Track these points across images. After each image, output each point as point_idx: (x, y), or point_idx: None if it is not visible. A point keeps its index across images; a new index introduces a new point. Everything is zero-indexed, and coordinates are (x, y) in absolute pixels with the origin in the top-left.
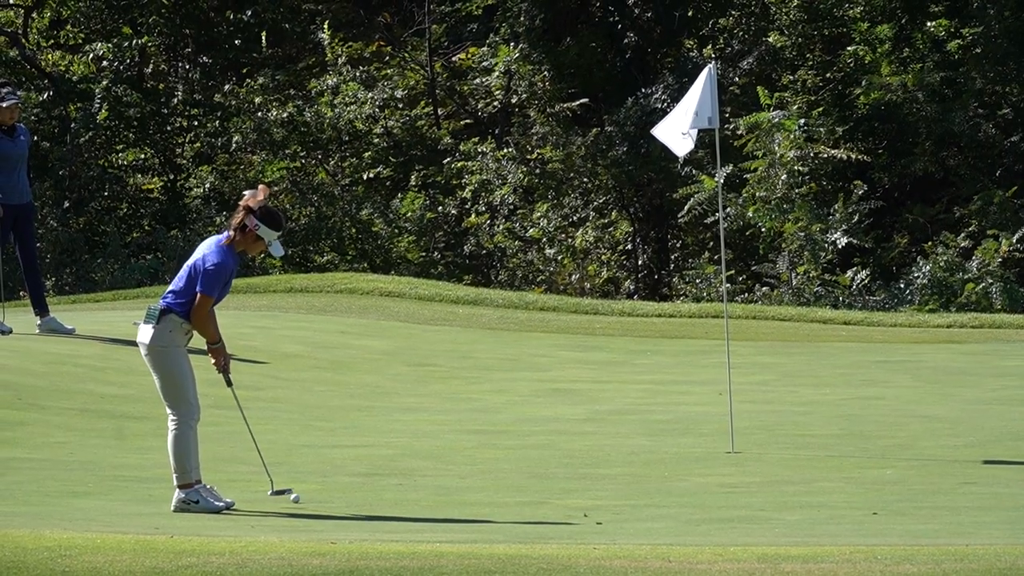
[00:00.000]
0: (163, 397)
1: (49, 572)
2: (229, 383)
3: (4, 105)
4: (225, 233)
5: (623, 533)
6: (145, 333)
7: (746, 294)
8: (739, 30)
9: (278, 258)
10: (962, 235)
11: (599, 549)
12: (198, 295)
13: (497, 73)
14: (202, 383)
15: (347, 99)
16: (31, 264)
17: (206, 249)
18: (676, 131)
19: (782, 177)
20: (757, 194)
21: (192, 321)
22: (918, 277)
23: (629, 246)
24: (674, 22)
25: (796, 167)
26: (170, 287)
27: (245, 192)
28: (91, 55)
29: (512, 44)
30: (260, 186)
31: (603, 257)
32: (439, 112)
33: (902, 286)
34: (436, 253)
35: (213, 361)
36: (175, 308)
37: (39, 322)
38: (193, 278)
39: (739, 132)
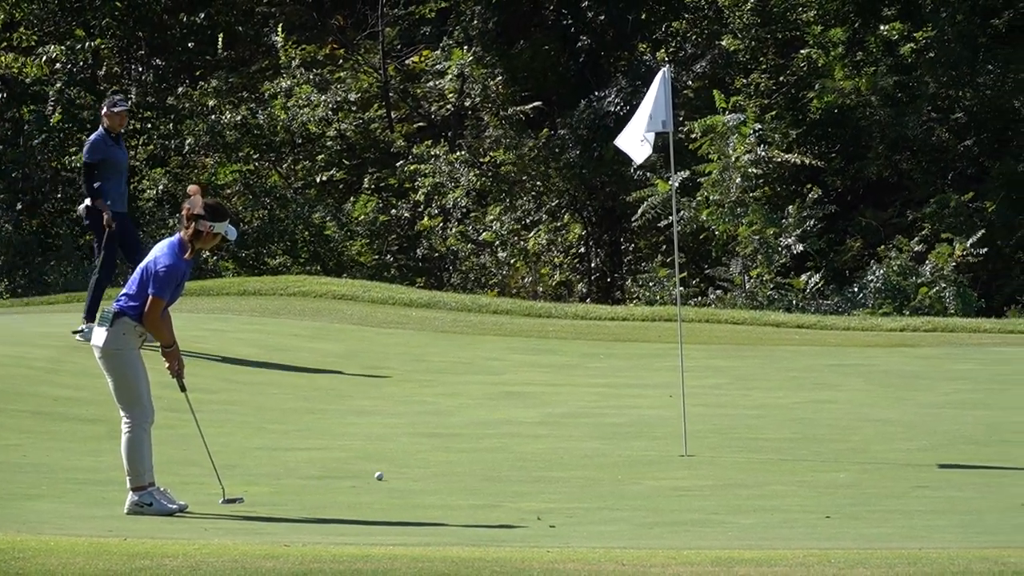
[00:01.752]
0: (117, 400)
1: (2, 574)
2: (183, 387)
3: (116, 111)
4: (177, 236)
5: (576, 536)
6: (99, 336)
7: (699, 297)
8: (692, 33)
9: (234, 239)
10: (915, 239)
11: (552, 552)
12: (150, 297)
13: (450, 76)
14: (156, 385)
15: (300, 102)
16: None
17: (158, 252)
18: (635, 138)
19: (736, 180)
20: (711, 197)
21: (145, 323)
22: (872, 281)
23: (582, 249)
24: (627, 25)
25: (750, 170)
26: (123, 290)
27: (184, 204)
28: (44, 57)
29: (465, 47)
30: (191, 188)
31: (556, 260)
32: (392, 115)
33: (855, 290)
34: (389, 256)
35: (167, 364)
36: (128, 311)
37: (83, 327)
38: (145, 281)
39: (693, 135)
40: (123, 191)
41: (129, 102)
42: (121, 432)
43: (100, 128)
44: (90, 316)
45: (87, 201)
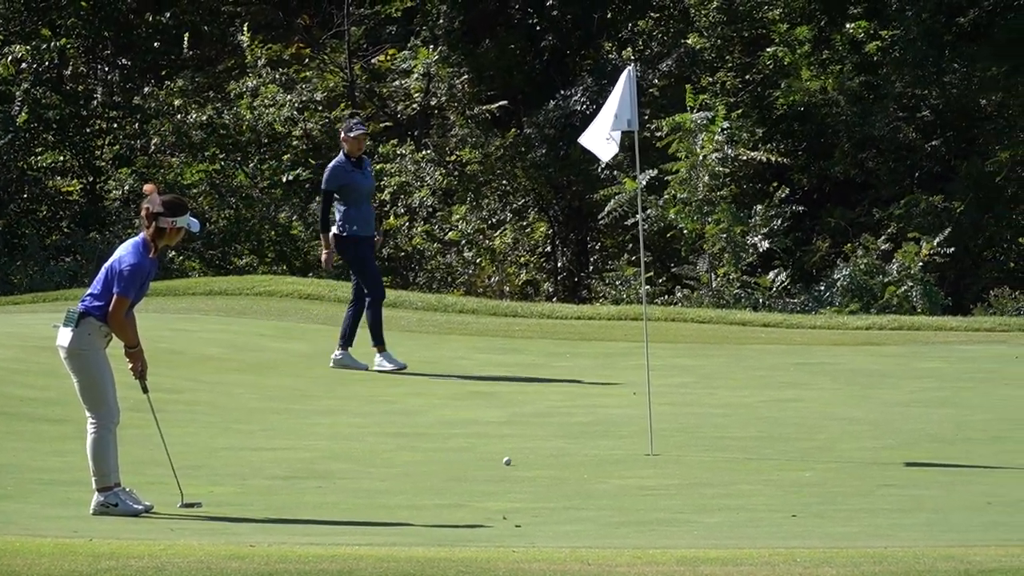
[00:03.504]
0: (82, 400)
1: None
2: (145, 389)
3: (352, 135)
4: (141, 236)
5: (542, 536)
6: (64, 336)
7: (666, 296)
8: (658, 32)
9: (197, 231)
10: (882, 238)
11: (518, 552)
12: (115, 296)
13: (416, 75)
14: (122, 386)
15: (266, 101)
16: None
17: (122, 251)
18: (600, 136)
19: (704, 179)
20: (678, 195)
21: (109, 323)
22: (838, 280)
23: (548, 248)
24: (593, 24)
25: (717, 168)
26: (88, 290)
27: (142, 203)
28: (10, 57)
29: (431, 46)
30: (147, 187)
31: (522, 259)
32: (358, 114)
33: (822, 288)
34: None
35: (130, 365)
36: (93, 311)
37: (338, 354)
38: (110, 280)
39: (659, 134)
40: (368, 215)
41: (368, 125)
42: (87, 432)
43: (340, 153)
44: (346, 343)
45: (335, 228)
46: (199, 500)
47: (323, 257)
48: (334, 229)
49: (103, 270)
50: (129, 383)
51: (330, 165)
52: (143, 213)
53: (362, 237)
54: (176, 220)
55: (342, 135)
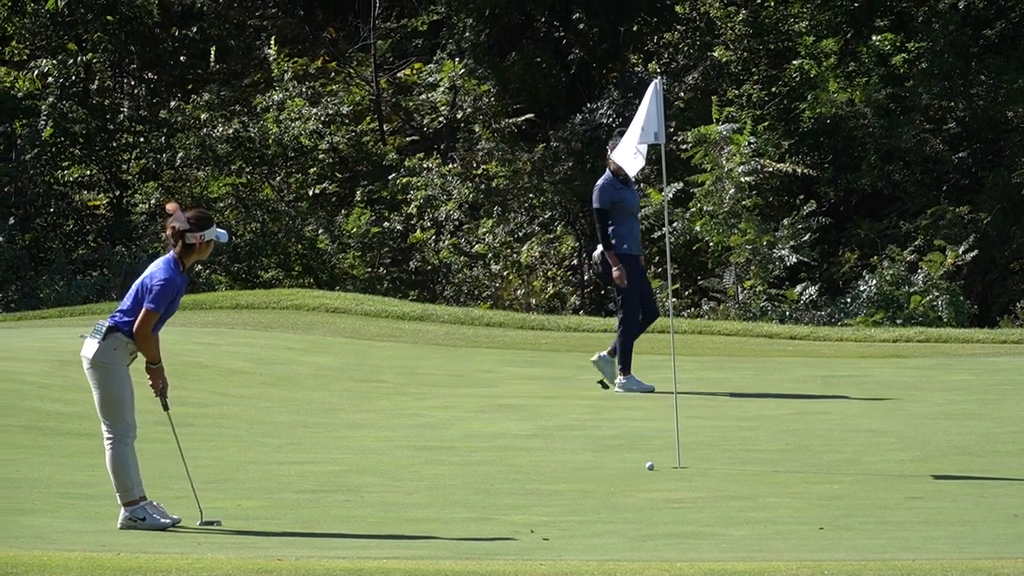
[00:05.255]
0: (100, 413)
1: None
2: (165, 407)
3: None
4: (171, 254)
5: (570, 549)
6: (89, 348)
7: (692, 309)
8: (684, 45)
9: (226, 241)
10: (908, 249)
11: (545, 565)
12: (144, 309)
13: (442, 89)
14: (146, 400)
15: (292, 115)
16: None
17: (154, 267)
18: (628, 151)
19: (730, 191)
20: (704, 208)
21: (136, 336)
22: (864, 290)
23: (575, 261)
24: (619, 37)
25: (743, 179)
26: (119, 306)
27: (166, 223)
28: (36, 72)
29: (457, 59)
30: (169, 206)
31: (549, 273)
32: (384, 128)
33: (848, 300)
34: (382, 269)
35: (150, 382)
36: (122, 327)
37: (621, 379)
38: (140, 296)
39: (684, 145)
40: (636, 233)
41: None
42: (105, 448)
43: (607, 172)
44: (625, 368)
45: (600, 247)
46: (218, 518)
47: (615, 274)
48: (600, 247)
49: (134, 287)
50: (152, 397)
51: (598, 184)
52: (168, 232)
53: (632, 256)
54: (204, 234)
55: (608, 152)
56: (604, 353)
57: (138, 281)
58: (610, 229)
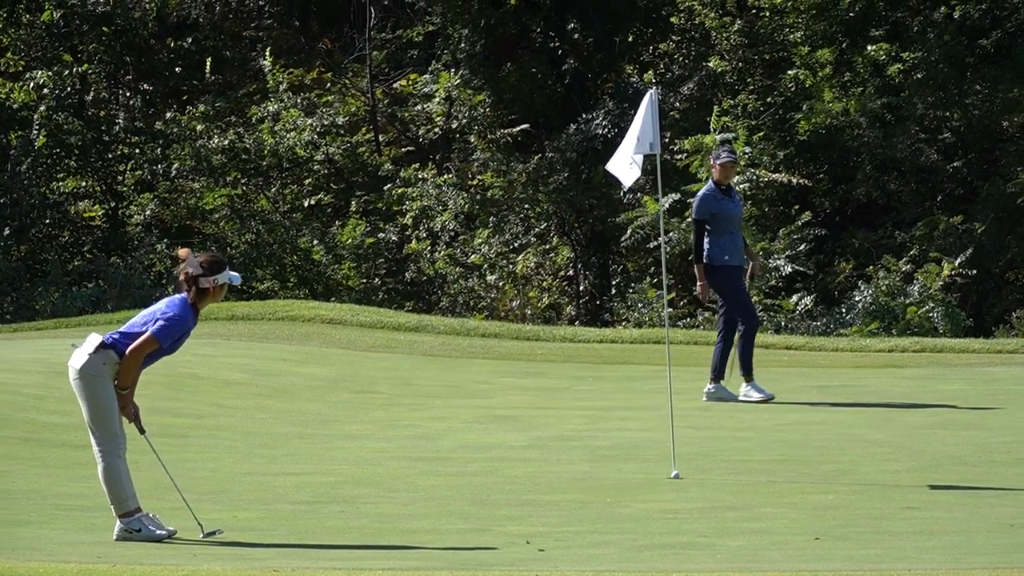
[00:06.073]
0: (90, 426)
1: None
2: (142, 430)
3: (719, 163)
4: (184, 295)
5: (565, 560)
6: (79, 358)
7: (688, 319)
8: (679, 55)
9: (239, 283)
10: (904, 259)
11: None
12: (148, 333)
13: (438, 99)
14: (143, 411)
15: (288, 126)
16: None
17: (168, 302)
18: (623, 162)
19: None
20: None
21: (128, 354)
22: (860, 301)
23: (570, 272)
24: (614, 48)
25: (738, 188)
26: (122, 327)
27: (179, 269)
28: (31, 83)
29: (453, 70)
30: (181, 252)
31: (544, 283)
32: (380, 138)
33: (843, 311)
34: (377, 280)
35: (121, 407)
36: (118, 346)
37: (711, 388)
38: (147, 324)
39: (679, 154)
40: (739, 244)
41: (736, 155)
42: (96, 462)
43: (709, 182)
44: (717, 376)
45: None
46: (218, 528)
47: (699, 289)
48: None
49: (143, 314)
50: (150, 408)
51: (699, 194)
52: (182, 277)
53: (733, 267)
54: (217, 278)
55: (711, 162)
56: (708, 388)
57: (149, 310)
58: (711, 240)
